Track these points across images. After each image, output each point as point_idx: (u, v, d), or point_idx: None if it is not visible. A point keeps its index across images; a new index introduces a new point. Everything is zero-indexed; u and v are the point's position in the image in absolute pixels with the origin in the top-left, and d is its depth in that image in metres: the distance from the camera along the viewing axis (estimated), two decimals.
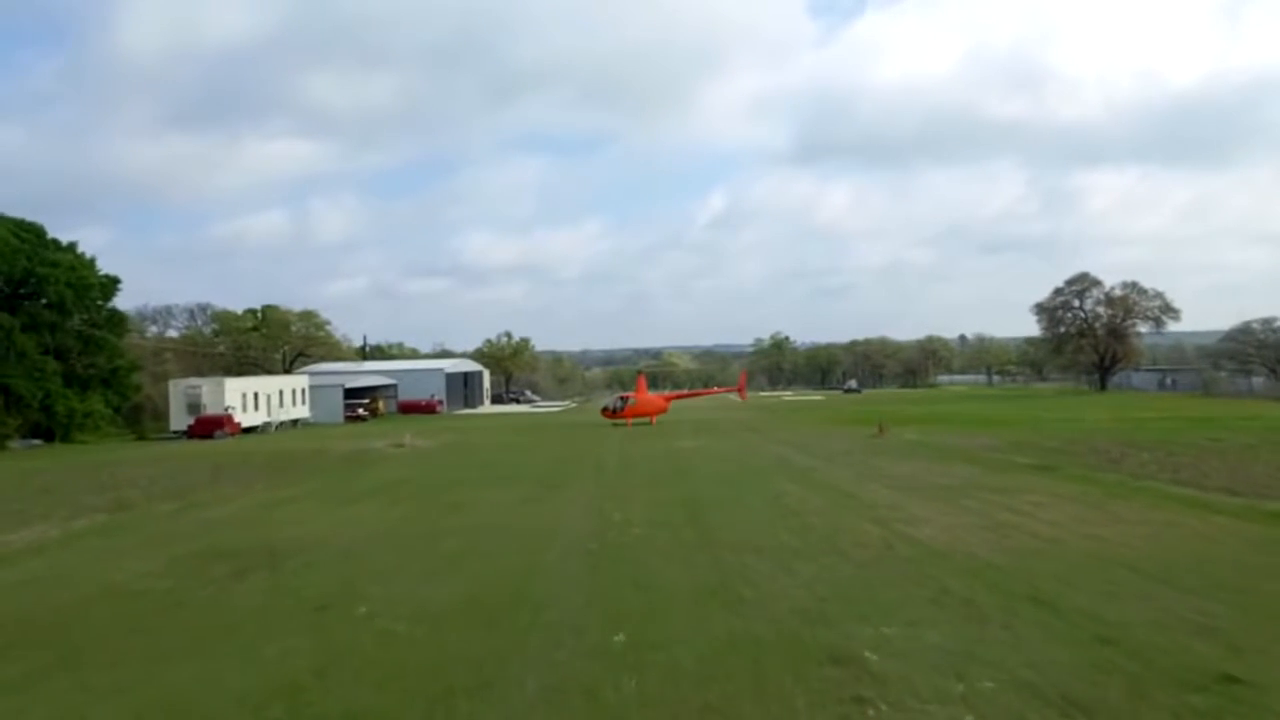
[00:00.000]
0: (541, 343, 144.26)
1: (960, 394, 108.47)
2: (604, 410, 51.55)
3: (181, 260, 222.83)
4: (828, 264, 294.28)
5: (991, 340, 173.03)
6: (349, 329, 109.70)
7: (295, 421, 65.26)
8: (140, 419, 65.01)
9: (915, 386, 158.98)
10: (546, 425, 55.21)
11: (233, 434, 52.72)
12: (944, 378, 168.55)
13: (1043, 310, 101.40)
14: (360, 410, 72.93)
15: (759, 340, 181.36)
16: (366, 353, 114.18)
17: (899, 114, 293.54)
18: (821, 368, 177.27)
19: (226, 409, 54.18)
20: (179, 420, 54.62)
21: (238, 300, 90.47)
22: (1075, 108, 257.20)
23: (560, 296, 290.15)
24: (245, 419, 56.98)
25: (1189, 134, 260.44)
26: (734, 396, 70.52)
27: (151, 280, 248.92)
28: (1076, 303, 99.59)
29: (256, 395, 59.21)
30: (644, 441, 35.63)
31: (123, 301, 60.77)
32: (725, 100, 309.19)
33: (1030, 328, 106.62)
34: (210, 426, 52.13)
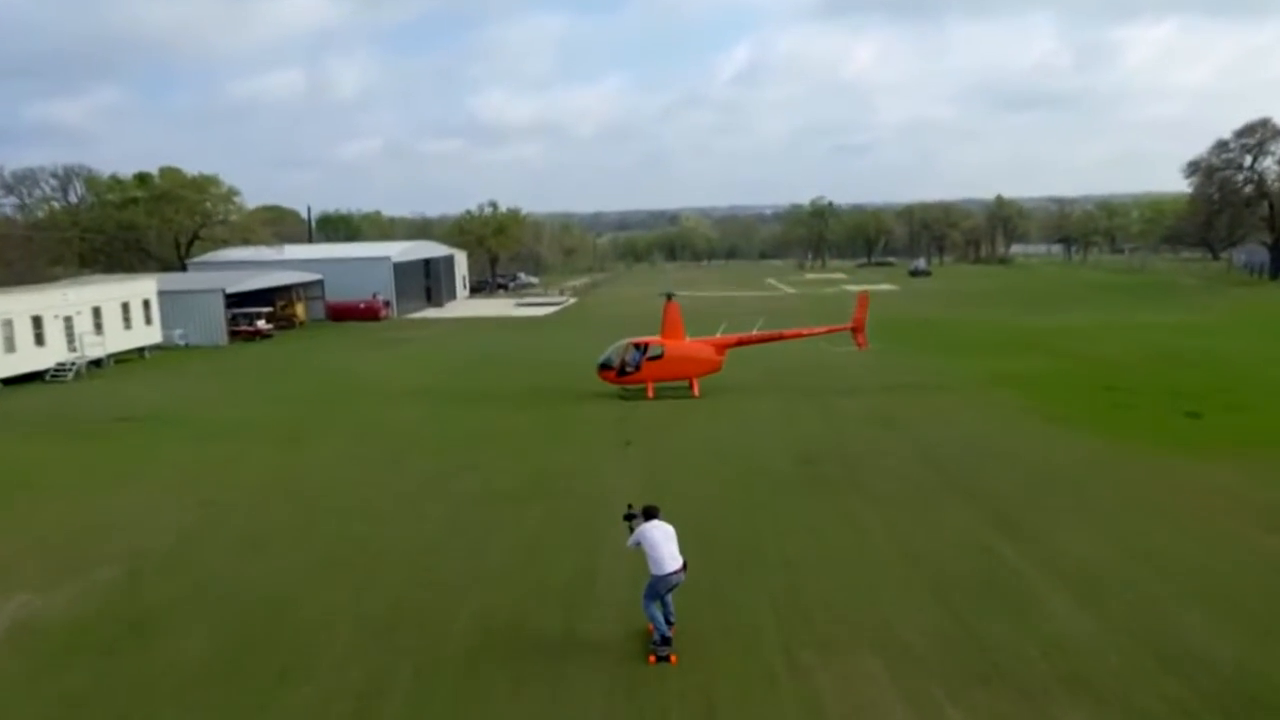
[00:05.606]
0: (553, 205, 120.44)
1: (1069, 278, 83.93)
2: (603, 369, 28.09)
3: (194, 123, 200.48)
4: (851, 119, 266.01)
5: (1073, 204, 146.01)
6: (359, 195, 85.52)
7: (142, 350, 42.83)
8: None
9: (982, 261, 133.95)
10: (502, 375, 32.34)
11: None
12: (1017, 248, 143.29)
13: (1198, 169, 75.97)
14: (259, 323, 50.21)
15: (796, 206, 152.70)
16: (313, 230, 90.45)
17: None
18: (867, 238, 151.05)
19: None
20: None
21: (242, 166, 66.06)
22: None
23: (575, 157, 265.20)
24: (16, 361, 34.61)
25: None
26: (817, 340, 32.40)
27: (164, 144, 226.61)
28: (1248, 160, 74.00)
29: (39, 319, 36.30)
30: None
31: None
32: None
33: (1052, 188, 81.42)
34: None
